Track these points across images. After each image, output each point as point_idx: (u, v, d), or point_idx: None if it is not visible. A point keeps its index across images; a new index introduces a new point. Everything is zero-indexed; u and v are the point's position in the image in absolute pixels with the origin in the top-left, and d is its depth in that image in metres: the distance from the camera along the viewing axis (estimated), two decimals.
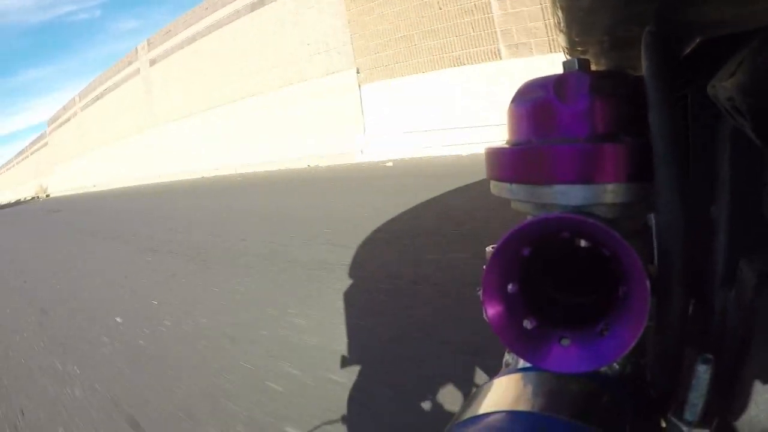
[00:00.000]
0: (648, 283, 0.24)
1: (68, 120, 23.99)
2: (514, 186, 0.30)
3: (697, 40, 0.30)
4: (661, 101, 0.26)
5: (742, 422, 0.27)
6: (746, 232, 0.30)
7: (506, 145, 0.32)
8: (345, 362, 1.54)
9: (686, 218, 0.25)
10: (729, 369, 0.28)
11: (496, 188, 0.33)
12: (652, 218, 0.37)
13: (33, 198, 27.30)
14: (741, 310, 0.28)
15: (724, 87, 0.25)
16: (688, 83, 0.33)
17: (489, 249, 0.33)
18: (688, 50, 0.32)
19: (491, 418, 0.27)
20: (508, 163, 0.31)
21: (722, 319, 0.30)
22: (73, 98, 23.03)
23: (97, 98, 20.45)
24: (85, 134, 22.05)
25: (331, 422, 1.22)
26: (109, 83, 19.12)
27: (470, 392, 0.33)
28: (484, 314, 0.29)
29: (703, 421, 0.26)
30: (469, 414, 0.28)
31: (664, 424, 0.28)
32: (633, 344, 0.25)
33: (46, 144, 27.30)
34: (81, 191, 21.26)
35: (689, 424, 0.26)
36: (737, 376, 0.27)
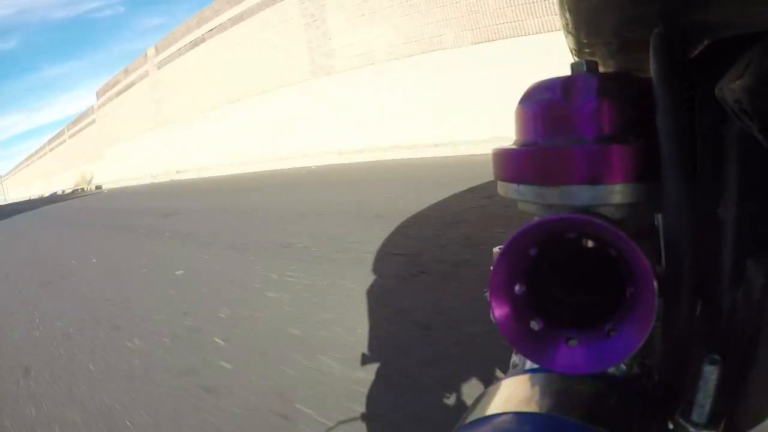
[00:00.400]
0: (655, 283, 0.24)
1: (132, 85, 16.21)
2: (522, 187, 0.31)
3: (705, 42, 0.30)
4: (668, 103, 0.26)
5: (750, 423, 0.27)
6: (754, 233, 0.30)
7: (514, 146, 0.32)
8: None
9: (693, 219, 0.25)
10: (737, 370, 0.28)
11: (504, 189, 0.33)
12: (659, 219, 0.37)
13: (74, 190, 20.99)
14: (749, 310, 0.28)
15: (731, 89, 0.25)
16: (696, 85, 0.33)
17: (496, 250, 0.33)
18: (695, 52, 0.32)
19: (499, 420, 0.27)
20: (516, 164, 0.31)
21: (730, 320, 0.30)
22: (145, 53, 15.48)
23: (195, 45, 12.88)
24: (162, 101, 14.59)
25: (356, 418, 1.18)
26: (222, 18, 11.75)
27: (479, 394, 0.33)
28: (491, 315, 0.29)
29: (710, 423, 0.26)
30: (476, 415, 0.29)
31: (671, 426, 0.28)
32: (640, 345, 0.25)
33: (93, 122, 20.55)
34: (156, 180, 14.17)
35: (696, 425, 0.26)
36: (745, 376, 0.27)
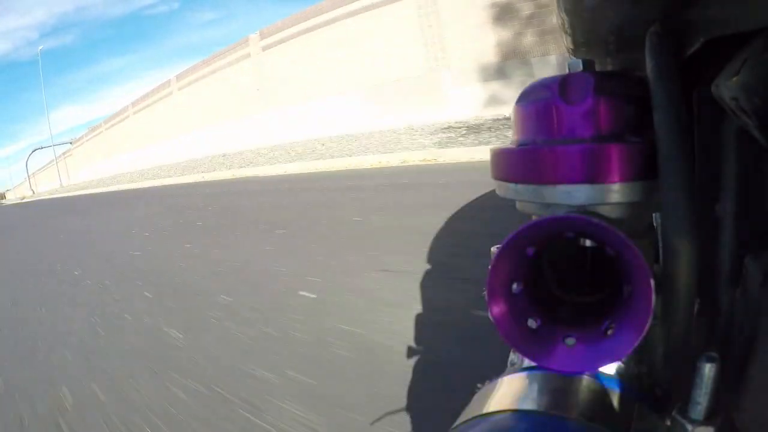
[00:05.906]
0: (653, 282, 0.24)
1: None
2: (519, 186, 0.31)
3: (701, 40, 0.30)
4: (665, 101, 0.26)
5: (747, 421, 0.27)
6: (751, 230, 0.30)
7: (511, 146, 0.32)
8: None
9: (691, 217, 0.25)
10: (734, 367, 0.28)
11: (502, 189, 0.33)
12: (657, 217, 0.37)
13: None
14: (746, 308, 0.28)
15: (728, 86, 0.25)
16: (693, 83, 0.33)
17: (493, 249, 0.33)
18: (692, 50, 0.32)
19: (496, 418, 0.27)
20: (513, 164, 0.31)
21: (728, 318, 0.30)
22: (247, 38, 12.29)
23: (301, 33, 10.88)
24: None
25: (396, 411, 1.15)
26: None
27: (475, 392, 0.33)
28: (489, 314, 0.29)
29: (707, 420, 0.26)
30: (473, 413, 0.29)
31: (669, 423, 0.28)
32: (637, 343, 0.25)
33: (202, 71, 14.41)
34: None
35: (693, 422, 0.26)
36: (742, 374, 0.27)
